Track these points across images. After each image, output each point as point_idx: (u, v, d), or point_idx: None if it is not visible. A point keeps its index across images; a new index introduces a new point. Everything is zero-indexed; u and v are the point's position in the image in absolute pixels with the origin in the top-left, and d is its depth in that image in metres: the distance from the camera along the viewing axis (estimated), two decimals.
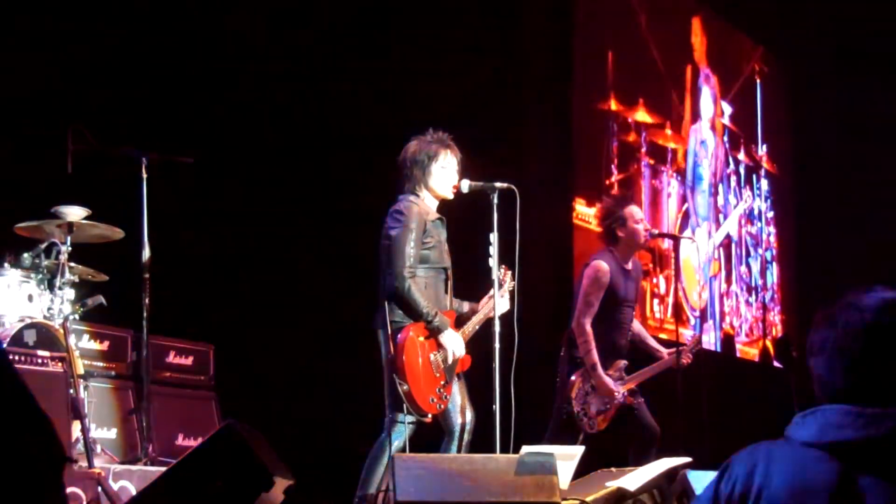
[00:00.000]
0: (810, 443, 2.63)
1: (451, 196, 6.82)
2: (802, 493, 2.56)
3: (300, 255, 8.88)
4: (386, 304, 6.54)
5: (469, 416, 6.72)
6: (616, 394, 7.75)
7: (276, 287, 8.77)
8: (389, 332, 6.51)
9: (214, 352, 8.09)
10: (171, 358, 7.83)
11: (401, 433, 6.52)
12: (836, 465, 2.59)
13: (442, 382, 6.61)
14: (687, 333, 10.50)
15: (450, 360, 6.64)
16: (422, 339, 6.57)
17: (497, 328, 6.53)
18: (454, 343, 6.65)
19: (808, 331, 2.72)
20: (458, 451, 6.62)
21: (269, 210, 8.79)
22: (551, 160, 9.98)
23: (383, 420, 6.59)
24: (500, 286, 6.73)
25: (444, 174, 6.77)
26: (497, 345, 6.50)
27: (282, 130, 8.80)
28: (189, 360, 7.91)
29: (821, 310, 2.72)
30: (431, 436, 6.71)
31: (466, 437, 6.68)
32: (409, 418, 6.49)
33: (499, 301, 6.67)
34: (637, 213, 7.93)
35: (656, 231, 8.18)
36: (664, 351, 8.06)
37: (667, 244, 10.64)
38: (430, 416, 6.55)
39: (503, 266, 6.78)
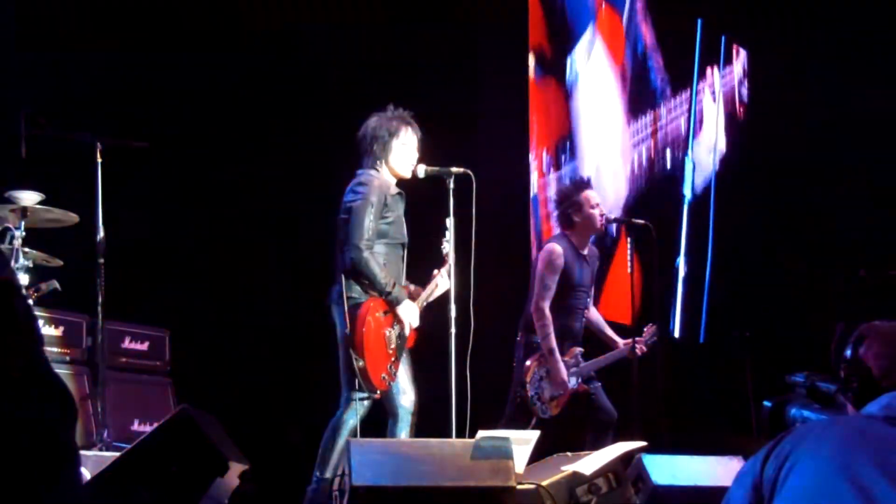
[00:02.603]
0: (873, 415, 2.98)
1: (408, 175, 6.82)
2: (852, 450, 2.83)
3: (256, 239, 8.86)
4: (343, 279, 6.55)
5: (413, 396, 6.74)
6: (567, 385, 7.78)
7: (231, 271, 8.73)
8: (346, 308, 6.51)
9: (170, 337, 8.03)
10: (127, 343, 7.76)
11: (355, 411, 6.54)
12: (890, 430, 2.89)
13: (392, 359, 6.63)
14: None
15: (406, 332, 6.67)
16: (379, 314, 6.59)
17: (453, 312, 6.56)
18: (410, 314, 6.69)
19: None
20: (409, 433, 6.64)
21: (225, 194, 8.74)
22: (508, 143, 10.00)
23: (339, 398, 6.60)
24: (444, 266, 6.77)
25: (404, 151, 6.80)
26: (453, 329, 6.52)
27: (239, 114, 8.75)
28: (144, 346, 7.84)
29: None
30: (385, 414, 6.73)
31: (414, 418, 6.70)
32: (363, 395, 6.52)
33: (445, 282, 6.72)
34: (593, 198, 7.96)
35: (612, 216, 8.19)
36: (620, 341, 8.14)
37: None
38: (378, 392, 6.57)
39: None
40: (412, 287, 6.87)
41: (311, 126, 8.90)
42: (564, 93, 10.72)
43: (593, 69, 11.06)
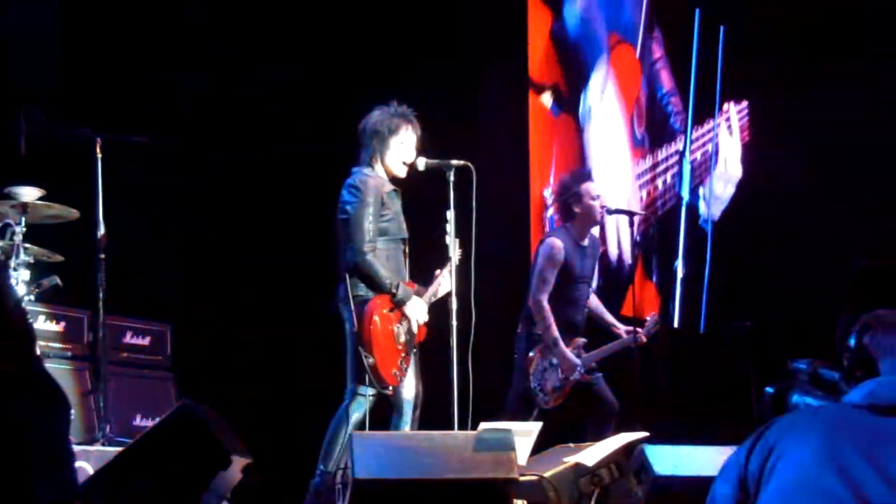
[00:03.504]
0: (856, 403, 2.94)
1: (402, 175, 6.81)
2: (837, 441, 2.81)
3: (258, 232, 8.83)
4: (347, 277, 6.54)
5: (418, 389, 6.74)
6: (578, 367, 7.77)
7: (233, 265, 8.73)
8: (353, 305, 6.51)
9: (171, 331, 8.01)
10: (128, 338, 7.74)
11: (361, 405, 6.55)
12: (875, 419, 2.87)
13: (402, 355, 6.63)
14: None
15: (414, 329, 6.67)
16: (386, 311, 6.58)
17: (454, 305, 6.52)
18: (418, 310, 6.68)
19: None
20: (411, 426, 6.64)
21: (226, 188, 8.75)
22: (507, 135, 9.99)
23: (343, 392, 6.60)
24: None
25: (402, 150, 6.77)
26: (454, 322, 6.48)
27: (240, 107, 8.77)
28: (146, 341, 7.82)
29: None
30: (388, 409, 6.73)
31: (417, 412, 6.71)
32: (371, 391, 6.52)
33: (448, 281, 6.67)
34: (593, 190, 7.92)
35: (613, 208, 8.17)
36: (622, 328, 8.13)
37: None
38: (391, 388, 6.56)
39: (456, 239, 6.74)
40: (417, 287, 6.85)
41: (313, 119, 8.87)
42: (579, 129, 10.82)
43: (606, 109, 11.17)
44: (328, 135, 8.18)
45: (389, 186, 6.76)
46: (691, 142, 12.19)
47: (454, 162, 6.68)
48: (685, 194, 12.05)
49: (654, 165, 11.77)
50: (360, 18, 9.26)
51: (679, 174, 12.04)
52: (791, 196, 11.86)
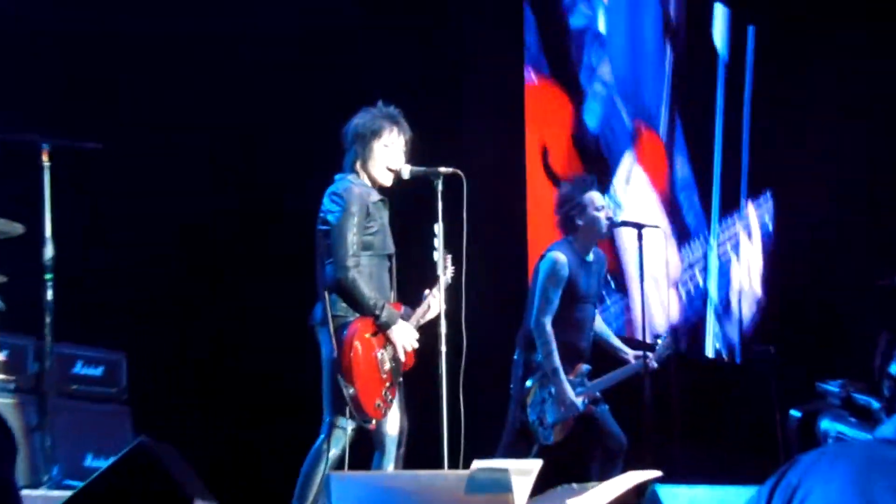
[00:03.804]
0: (888, 438, 2.72)
1: (388, 182, 6.56)
2: (868, 478, 2.59)
3: (223, 251, 8.59)
4: (327, 296, 6.30)
5: (403, 424, 6.50)
6: (577, 406, 7.57)
7: (194, 287, 8.47)
8: (332, 328, 6.26)
9: (127, 360, 7.67)
10: (79, 368, 7.42)
11: (339, 441, 6.33)
12: None
13: (387, 384, 6.37)
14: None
15: (401, 356, 6.41)
16: (368, 335, 6.32)
17: (443, 328, 6.31)
18: (406, 336, 6.42)
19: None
20: (396, 465, 6.43)
21: (187, 201, 8.40)
22: (501, 139, 9.85)
23: (319, 426, 6.37)
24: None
25: (386, 154, 6.50)
26: (443, 347, 6.27)
27: (204, 111, 8.44)
28: (98, 371, 7.49)
29: None
30: (369, 445, 6.51)
31: (402, 449, 6.48)
32: (350, 424, 6.29)
33: (441, 299, 6.44)
34: (598, 200, 7.76)
35: (619, 219, 7.97)
36: (630, 353, 7.92)
37: None
38: (374, 422, 6.30)
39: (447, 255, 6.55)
40: (403, 308, 6.60)
41: (287, 127, 8.65)
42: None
43: (633, 196, 11.02)
44: (310, 140, 7.97)
45: (376, 196, 6.51)
46: (718, 234, 12.03)
47: (442, 169, 6.45)
48: (713, 293, 11.80)
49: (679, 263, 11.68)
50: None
51: (705, 269, 11.82)
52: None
